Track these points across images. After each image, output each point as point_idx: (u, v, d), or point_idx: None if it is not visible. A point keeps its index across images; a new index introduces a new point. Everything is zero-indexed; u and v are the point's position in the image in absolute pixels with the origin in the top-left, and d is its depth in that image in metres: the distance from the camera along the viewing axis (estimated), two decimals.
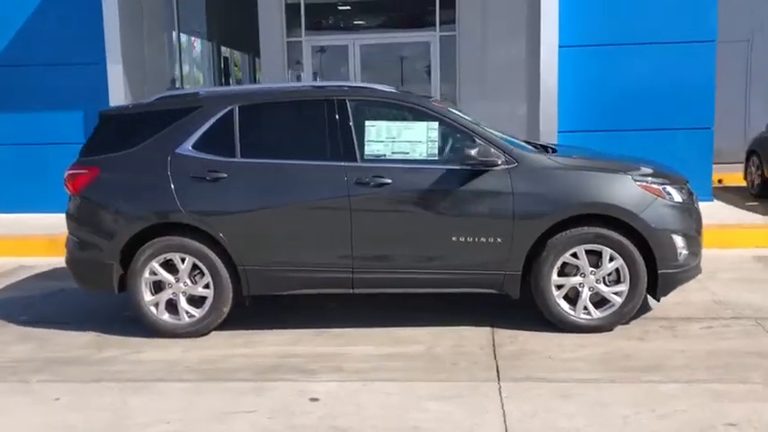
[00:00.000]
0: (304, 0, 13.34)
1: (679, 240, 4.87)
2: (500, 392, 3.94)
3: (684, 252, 4.91)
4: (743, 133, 12.76)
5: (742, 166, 10.79)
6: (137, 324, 5.24)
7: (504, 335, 4.93)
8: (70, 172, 5.19)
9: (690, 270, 5.01)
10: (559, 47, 8.68)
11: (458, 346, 4.77)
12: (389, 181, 4.87)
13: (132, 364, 4.66)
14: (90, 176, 5.11)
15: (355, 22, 13.81)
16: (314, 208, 4.94)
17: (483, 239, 4.86)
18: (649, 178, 4.97)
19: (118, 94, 9.24)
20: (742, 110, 13.13)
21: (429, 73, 13.12)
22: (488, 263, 4.90)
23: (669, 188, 4.96)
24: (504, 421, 3.58)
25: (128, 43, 9.34)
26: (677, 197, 4.97)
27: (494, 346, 4.75)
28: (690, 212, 5.02)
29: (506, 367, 4.32)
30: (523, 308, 5.26)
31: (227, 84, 20.77)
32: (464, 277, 4.96)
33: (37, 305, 6.18)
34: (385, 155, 4.98)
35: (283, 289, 5.08)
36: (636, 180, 4.90)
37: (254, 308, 5.38)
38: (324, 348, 4.80)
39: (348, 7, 13.82)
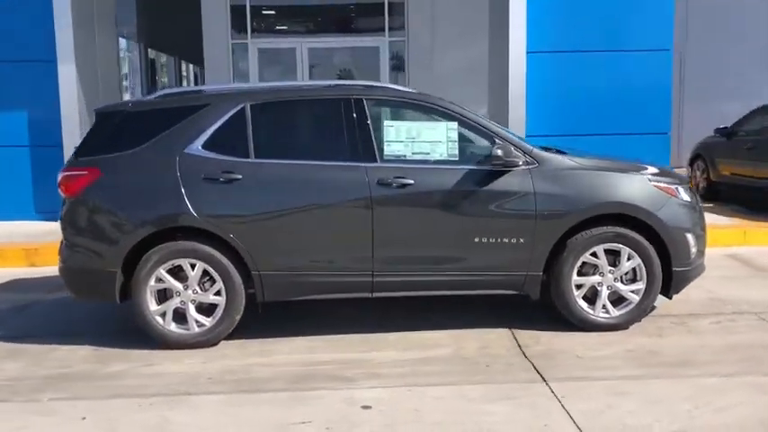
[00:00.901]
0: (250, 2, 13.05)
1: (691, 239, 5.01)
2: (553, 393, 3.91)
3: (695, 250, 5.05)
4: (677, 139, 13.36)
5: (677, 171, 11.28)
6: (131, 335, 4.96)
7: (524, 336, 4.91)
8: (67, 173, 4.81)
9: (698, 268, 5.16)
10: (527, 53, 8.82)
11: (483, 348, 4.72)
12: (412, 181, 4.77)
13: (147, 377, 4.35)
14: (89, 178, 4.75)
15: (303, 26, 13.61)
16: (334, 209, 4.78)
17: (505, 240, 4.83)
18: (662, 178, 5.08)
19: (70, 95, 8.72)
20: (676, 117, 13.72)
21: (378, 76, 13.06)
22: (510, 264, 4.88)
23: (679, 188, 5.09)
24: (574, 421, 3.54)
25: (80, 42, 8.83)
26: (686, 197, 5.10)
27: (519, 347, 4.72)
28: (697, 211, 5.17)
29: (544, 368, 4.30)
30: (534, 308, 5.30)
31: (154, 86, 20.11)
32: (485, 279, 4.91)
33: (9, 319, 5.70)
34: (405, 155, 4.89)
35: (300, 294, 4.89)
36: (651, 180, 5.00)
37: (257, 316, 5.12)
38: (347, 355, 4.65)
39: (295, 10, 13.61)
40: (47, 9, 8.56)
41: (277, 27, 13.64)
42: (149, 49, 18.85)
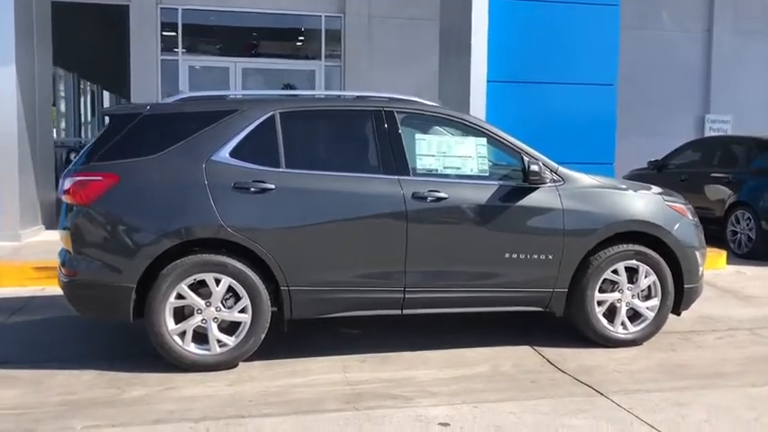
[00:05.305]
0: (182, 19, 12.61)
1: (699, 257, 5.22)
2: (619, 405, 3.93)
3: (701, 268, 5.27)
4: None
5: None
6: (132, 357, 4.68)
7: (551, 353, 4.91)
8: (79, 178, 4.37)
9: (702, 286, 5.37)
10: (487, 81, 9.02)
11: (517, 365, 4.68)
12: (446, 196, 4.70)
13: (180, 401, 3.98)
14: (106, 184, 4.34)
15: (238, 46, 13.27)
16: (369, 222, 4.62)
17: (535, 256, 4.84)
18: (672, 198, 5.29)
19: (8, 107, 8.02)
20: None
21: None
22: (538, 280, 4.89)
23: (686, 208, 5.32)
24: (660, 431, 3.56)
25: (21, 52, 8.16)
26: (691, 216, 5.34)
27: (551, 363, 4.72)
28: (700, 230, 5.41)
29: (593, 382, 4.31)
30: (544, 324, 5.41)
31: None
32: (514, 295, 4.90)
33: None
34: (437, 169, 4.83)
35: (329, 311, 4.66)
36: (665, 200, 5.19)
37: (269, 336, 4.81)
38: (385, 374, 4.47)
39: (230, 30, 13.28)
40: None
41: (210, 46, 13.24)
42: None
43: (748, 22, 14.28)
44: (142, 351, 4.73)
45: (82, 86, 22.61)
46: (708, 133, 14.17)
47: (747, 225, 8.79)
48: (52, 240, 8.50)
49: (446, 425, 3.64)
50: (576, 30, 9.36)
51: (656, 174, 10.69)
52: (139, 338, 4.96)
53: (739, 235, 8.94)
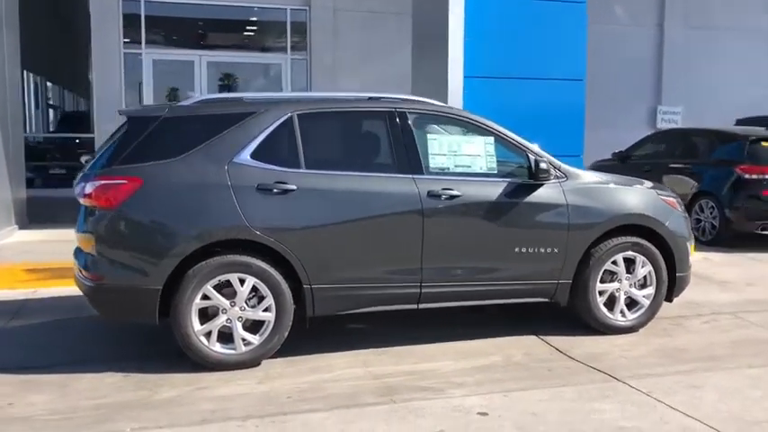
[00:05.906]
0: (145, 11, 12.40)
1: (689, 246, 5.55)
2: (638, 389, 4.18)
3: (691, 258, 5.59)
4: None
5: None
6: (148, 358, 4.70)
7: (557, 341, 5.15)
8: (104, 182, 4.36)
9: (690, 274, 5.70)
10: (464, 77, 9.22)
11: (528, 354, 4.90)
12: (459, 193, 4.87)
13: (217, 401, 4.05)
14: (131, 187, 4.35)
15: (202, 39, 13.14)
16: (387, 221, 4.75)
17: (542, 250, 5.07)
18: (663, 192, 5.60)
19: None
20: None
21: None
22: (544, 272, 5.12)
23: (677, 201, 5.64)
24: (684, 413, 3.83)
25: None
26: (681, 209, 5.65)
27: (560, 351, 4.96)
28: (689, 222, 5.73)
29: (606, 368, 4.56)
30: (543, 313, 5.65)
31: None
32: (522, 287, 5.12)
33: None
34: (449, 168, 4.99)
35: (349, 308, 4.78)
36: (658, 194, 5.49)
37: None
38: (406, 367, 4.62)
39: (195, 23, 13.12)
40: None
41: (175, 39, 13.06)
42: None
43: (698, 16, 14.91)
44: (156, 352, 4.79)
45: (26, 79, 21.84)
46: (660, 124, 14.77)
47: (711, 213, 9.26)
48: (28, 240, 8.39)
49: (485, 414, 3.82)
50: (547, 26, 9.64)
51: (620, 165, 11.09)
52: (149, 339, 5.03)
53: (703, 223, 9.41)
